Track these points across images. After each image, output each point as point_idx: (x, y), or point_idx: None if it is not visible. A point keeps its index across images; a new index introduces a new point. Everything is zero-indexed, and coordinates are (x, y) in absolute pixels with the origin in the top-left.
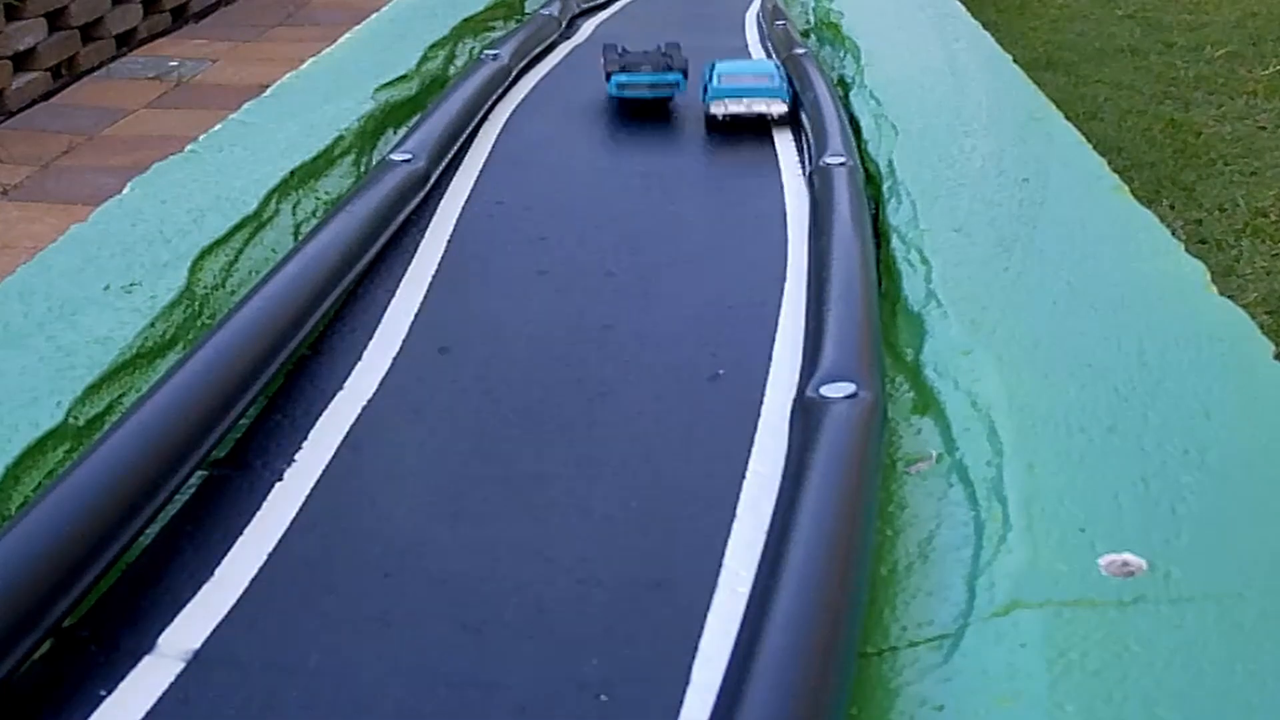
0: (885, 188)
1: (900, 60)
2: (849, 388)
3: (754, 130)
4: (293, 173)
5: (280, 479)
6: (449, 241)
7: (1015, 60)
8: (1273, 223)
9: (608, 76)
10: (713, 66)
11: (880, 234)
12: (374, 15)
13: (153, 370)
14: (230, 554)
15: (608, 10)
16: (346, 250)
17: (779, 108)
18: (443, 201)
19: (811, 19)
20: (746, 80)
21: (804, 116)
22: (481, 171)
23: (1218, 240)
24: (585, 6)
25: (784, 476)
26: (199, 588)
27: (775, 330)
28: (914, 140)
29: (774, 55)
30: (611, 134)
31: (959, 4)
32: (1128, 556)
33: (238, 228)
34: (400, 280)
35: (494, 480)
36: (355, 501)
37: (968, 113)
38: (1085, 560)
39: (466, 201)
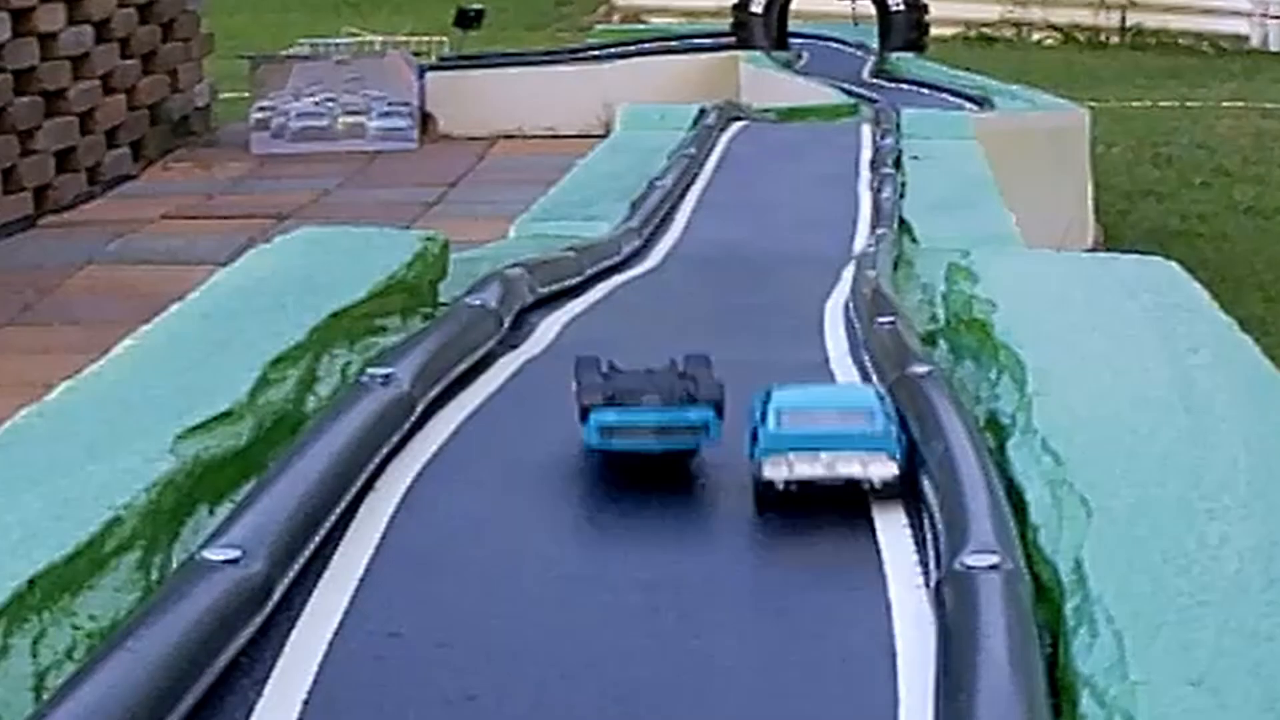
0: (1070, 608)
1: (1094, 386)
2: None
3: (838, 505)
4: (32, 583)
5: None
6: (304, 706)
7: None
8: None
9: (583, 414)
10: (768, 396)
11: (1062, 689)
12: (174, 307)
13: None
14: None
15: (588, 296)
16: None
17: (883, 469)
18: (295, 633)
19: (941, 313)
20: (827, 420)
21: (927, 483)
22: (363, 581)
23: None
24: (545, 292)
25: None
26: None
27: None
28: (1119, 526)
29: (876, 377)
30: (590, 513)
31: (1199, 290)
32: None
33: None
34: None
35: None
36: None
37: (1214, 478)
38: None
39: (336, 633)
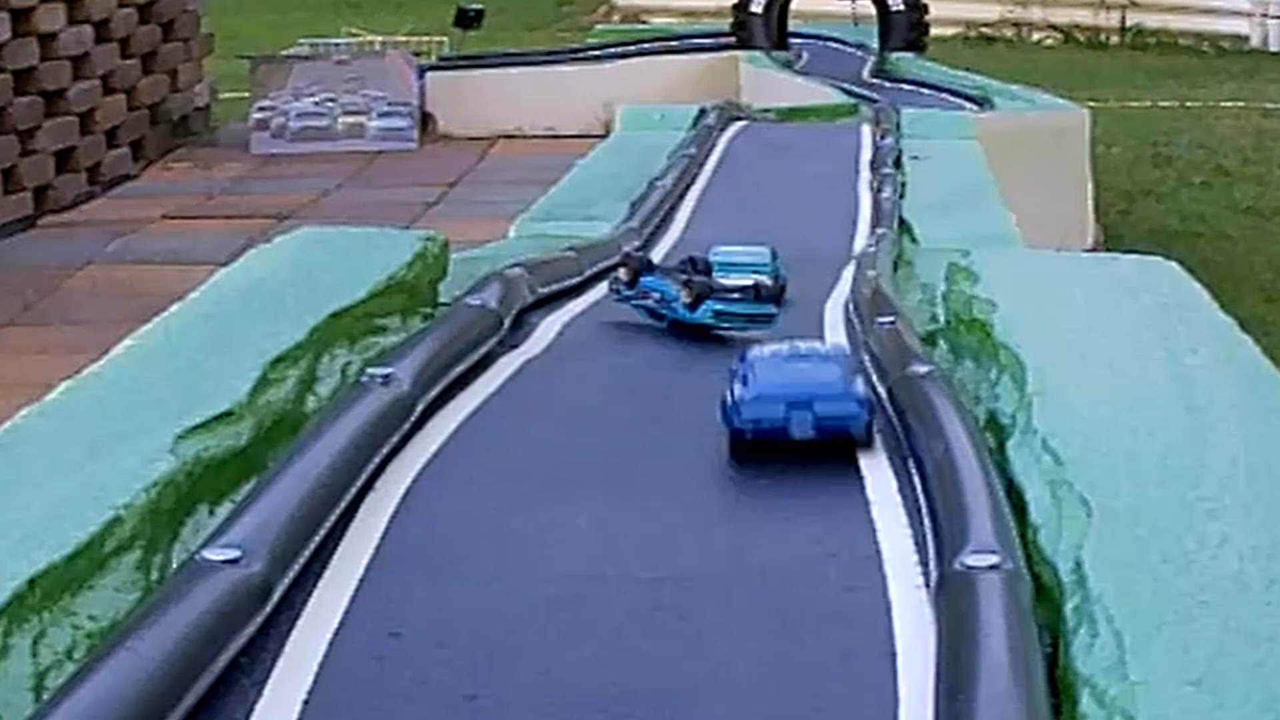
0: (1070, 608)
1: (1094, 386)
2: None
3: (839, 515)
4: (32, 584)
5: None
6: (304, 706)
7: None
8: None
9: (696, 300)
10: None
11: (1061, 690)
12: (174, 307)
13: None
14: None
15: (587, 296)
16: None
17: (766, 280)
18: (295, 633)
19: (941, 313)
20: (739, 257)
21: (923, 483)
22: (363, 581)
23: None
24: (545, 292)
25: None
26: None
27: None
28: (1119, 526)
29: (876, 376)
30: (599, 506)
31: (1200, 290)
32: None
33: None
34: None
35: None
36: None
37: (1214, 478)
38: None
39: (336, 633)
